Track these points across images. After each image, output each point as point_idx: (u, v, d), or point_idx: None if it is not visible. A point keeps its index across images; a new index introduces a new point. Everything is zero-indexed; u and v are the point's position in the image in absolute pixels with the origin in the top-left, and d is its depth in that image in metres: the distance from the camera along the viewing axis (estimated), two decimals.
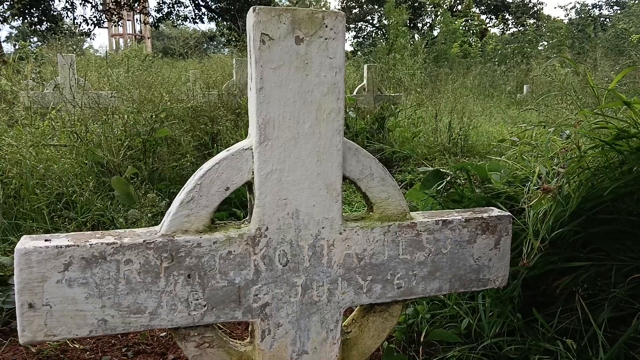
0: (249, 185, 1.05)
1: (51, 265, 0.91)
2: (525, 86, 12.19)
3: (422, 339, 1.78)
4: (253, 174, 1.03)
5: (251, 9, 0.97)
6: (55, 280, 0.92)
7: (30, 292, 0.91)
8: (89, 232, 1.01)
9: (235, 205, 3.11)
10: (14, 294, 2.07)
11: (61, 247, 0.92)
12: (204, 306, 1.02)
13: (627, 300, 1.57)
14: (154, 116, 3.65)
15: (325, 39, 1.02)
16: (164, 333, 2.07)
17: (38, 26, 17.77)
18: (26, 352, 1.89)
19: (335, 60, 1.03)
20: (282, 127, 1.02)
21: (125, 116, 3.65)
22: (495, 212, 1.26)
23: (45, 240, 0.93)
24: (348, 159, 1.10)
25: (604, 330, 1.52)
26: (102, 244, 0.94)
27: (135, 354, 1.95)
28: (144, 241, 0.97)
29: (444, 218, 1.19)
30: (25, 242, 0.92)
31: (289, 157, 1.03)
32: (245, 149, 1.03)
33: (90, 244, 0.94)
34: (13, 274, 2.17)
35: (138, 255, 0.96)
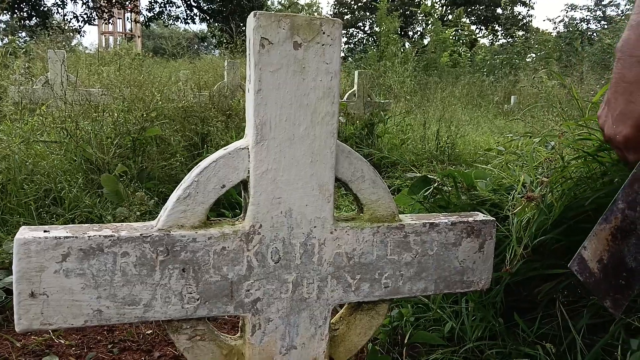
0: (244, 183, 1.08)
1: (49, 255, 0.94)
2: (512, 97, 12.35)
3: (406, 341, 1.81)
4: (249, 173, 1.06)
5: (252, 13, 1.01)
6: (53, 271, 0.94)
7: (28, 281, 0.93)
8: (86, 224, 1.03)
9: (224, 206, 3.13)
10: None
11: (60, 238, 0.94)
12: (197, 300, 1.05)
13: (605, 308, 1.62)
14: (144, 115, 3.66)
15: (322, 45, 1.05)
16: (150, 331, 2.08)
17: (27, 21, 17.62)
18: (11, 347, 1.89)
19: (331, 66, 1.07)
20: (278, 128, 1.05)
21: (116, 114, 3.65)
22: (480, 216, 1.30)
23: (44, 231, 0.95)
24: (341, 161, 1.14)
25: (582, 336, 1.57)
26: (99, 236, 0.97)
27: (120, 351, 1.96)
28: (140, 235, 0.99)
29: (431, 221, 1.23)
30: (25, 233, 0.94)
31: (284, 157, 1.07)
32: (242, 149, 1.06)
33: (89, 236, 0.96)
34: None
35: (135, 248, 0.99)
